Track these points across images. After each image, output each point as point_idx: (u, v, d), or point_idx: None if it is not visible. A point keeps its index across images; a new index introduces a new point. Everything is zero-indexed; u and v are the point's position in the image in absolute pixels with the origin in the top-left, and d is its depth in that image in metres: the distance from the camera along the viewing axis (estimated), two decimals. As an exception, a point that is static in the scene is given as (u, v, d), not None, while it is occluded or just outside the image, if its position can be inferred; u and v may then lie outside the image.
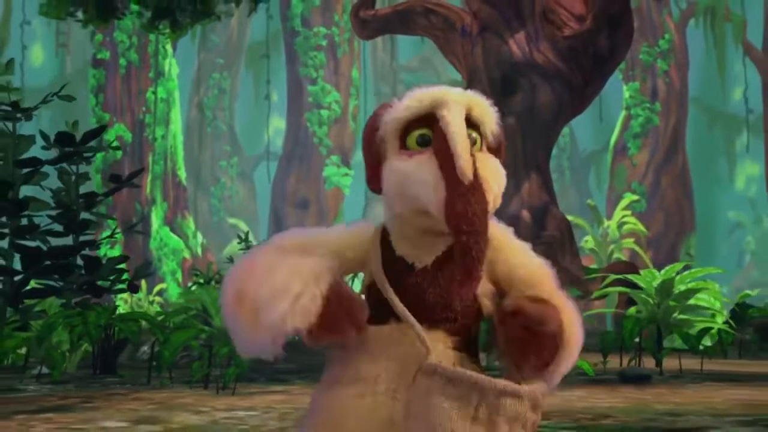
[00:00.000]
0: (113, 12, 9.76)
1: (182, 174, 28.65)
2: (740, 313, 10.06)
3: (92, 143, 6.88)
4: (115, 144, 9.79)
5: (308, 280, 1.84)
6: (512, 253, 2.02)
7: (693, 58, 28.90)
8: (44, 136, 6.46)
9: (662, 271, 9.18)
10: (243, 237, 15.31)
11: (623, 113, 28.40)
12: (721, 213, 40.38)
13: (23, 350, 5.75)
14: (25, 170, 6.27)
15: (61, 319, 5.27)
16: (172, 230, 27.77)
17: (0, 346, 5.39)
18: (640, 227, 24.20)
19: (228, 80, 38.74)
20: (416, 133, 1.91)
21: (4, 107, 6.48)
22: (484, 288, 1.99)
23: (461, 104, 1.90)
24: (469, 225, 1.82)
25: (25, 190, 7.23)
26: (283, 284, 1.83)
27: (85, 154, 6.58)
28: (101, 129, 7.13)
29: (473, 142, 1.91)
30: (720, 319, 9.27)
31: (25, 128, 25.89)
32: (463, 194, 1.82)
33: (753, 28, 28.43)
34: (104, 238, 6.55)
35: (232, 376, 4.79)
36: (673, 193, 27.43)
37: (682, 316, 8.53)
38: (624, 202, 24.80)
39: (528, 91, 14.58)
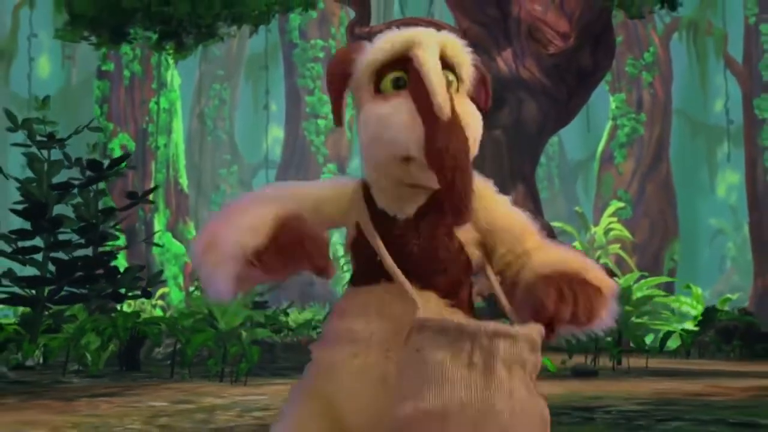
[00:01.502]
0: (124, 37, 10.31)
1: (184, 181, 28.89)
2: (709, 316, 10.61)
3: (111, 167, 7.46)
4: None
5: (269, 216, 1.80)
6: (493, 202, 1.96)
7: (676, 70, 29.19)
8: (69, 159, 7.05)
9: (621, 279, 9.76)
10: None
11: (610, 123, 28.70)
12: (703, 220, 40.42)
13: (41, 350, 6.38)
14: (57, 192, 6.86)
15: (92, 323, 5.91)
16: (174, 236, 27.99)
17: (45, 346, 6.06)
18: (626, 233, 24.55)
19: (228, 91, 38.79)
20: (390, 76, 1.84)
21: (40, 138, 7.07)
22: (469, 236, 1.94)
23: (435, 44, 1.83)
24: (452, 159, 1.75)
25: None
26: (246, 222, 1.80)
27: (110, 178, 7.18)
28: (126, 157, 7.72)
29: (449, 84, 1.84)
30: (678, 323, 9.87)
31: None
32: (442, 130, 1.75)
33: (733, 43, 28.63)
34: (122, 249, 7.15)
35: (243, 370, 5.51)
36: (658, 200, 27.71)
37: (638, 320, 9.11)
38: (610, 209, 25.11)
39: (514, 105, 14.99)
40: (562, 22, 15.67)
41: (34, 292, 6.60)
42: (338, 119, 1.92)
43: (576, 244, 24.16)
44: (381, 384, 1.82)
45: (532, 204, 15.07)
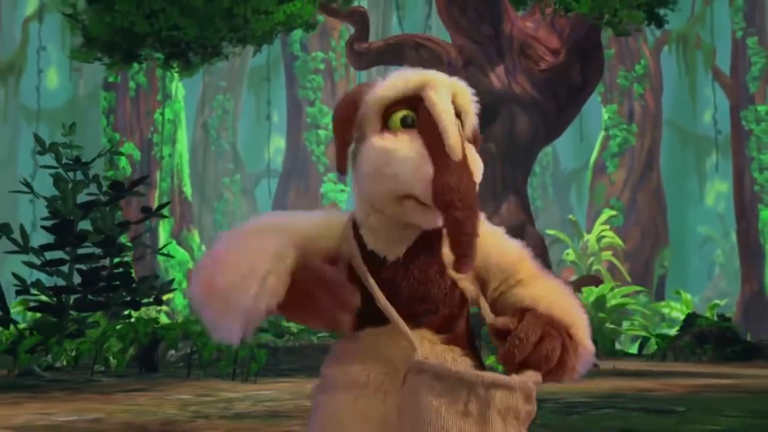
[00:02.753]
0: (136, 58, 10.76)
1: (188, 190, 29.09)
2: (690, 321, 11.04)
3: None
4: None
5: (273, 258, 1.74)
6: (485, 236, 1.85)
7: (666, 82, 29.50)
8: (88, 177, 7.54)
9: (597, 288, 10.20)
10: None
11: (602, 134, 29.04)
12: (693, 228, 40.46)
13: (74, 353, 6.91)
14: (82, 209, 7.36)
15: (114, 328, 6.43)
16: (179, 243, 28.07)
17: (76, 349, 6.60)
18: (618, 241, 24.84)
19: (231, 102, 38.80)
20: (400, 113, 1.78)
21: (66, 161, 7.55)
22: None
23: (448, 87, 1.80)
24: (462, 199, 1.69)
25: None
26: (248, 266, 1.73)
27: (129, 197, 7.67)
28: (144, 178, 8.20)
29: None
30: (668, 327, 10.29)
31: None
32: (454, 170, 1.70)
33: (721, 56, 28.92)
34: (137, 259, 7.70)
35: (253, 370, 6.06)
36: (649, 209, 28.02)
37: (610, 326, 9.55)
38: (603, 217, 25.37)
39: (507, 119, 15.16)
40: (553, 39, 15.91)
41: (60, 300, 7.11)
42: (341, 167, 1.84)
43: (570, 251, 24.44)
44: (381, 427, 1.80)
45: (524, 214, 15.41)
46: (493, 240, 1.90)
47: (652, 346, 10.24)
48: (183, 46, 11.08)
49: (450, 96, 1.79)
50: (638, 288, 11.81)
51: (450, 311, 1.86)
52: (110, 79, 26.98)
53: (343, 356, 1.88)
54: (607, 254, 24.50)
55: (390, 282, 1.82)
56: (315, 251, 1.84)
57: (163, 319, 17.80)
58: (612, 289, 10.31)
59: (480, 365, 1.85)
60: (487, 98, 17.27)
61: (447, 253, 1.82)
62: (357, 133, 1.83)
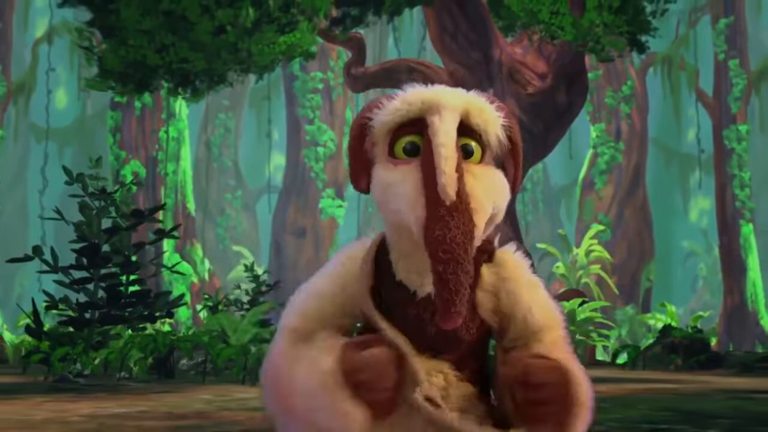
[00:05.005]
0: (147, 87, 11.34)
1: (191, 206, 29.25)
2: (665, 333, 11.56)
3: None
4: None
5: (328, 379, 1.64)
6: (518, 286, 1.74)
7: (652, 102, 29.84)
8: (119, 211, 8.19)
9: (568, 303, 10.75)
10: (249, 266, 16.57)
11: (591, 151, 29.37)
12: (677, 242, 40.61)
13: (96, 361, 7.55)
14: (106, 234, 8.00)
15: (136, 339, 7.10)
16: (182, 257, 28.30)
17: (105, 358, 7.26)
18: (606, 255, 25.08)
19: (233, 120, 39.34)
20: (404, 140, 1.67)
21: (92, 191, 8.18)
22: (490, 306, 1.75)
23: (455, 110, 1.64)
24: (446, 252, 1.56)
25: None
26: (312, 393, 1.66)
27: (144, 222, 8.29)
28: (161, 207, 8.84)
29: (469, 154, 1.67)
30: (652, 338, 10.73)
31: (52, 164, 26.87)
32: (442, 216, 1.56)
33: (705, 77, 29.27)
34: (150, 276, 8.40)
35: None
36: (635, 224, 28.32)
37: (580, 338, 10.12)
38: (591, 232, 25.56)
39: None
40: (540, 64, 16.36)
41: (85, 314, 7.76)
42: (355, 184, 1.77)
43: (559, 264, 24.83)
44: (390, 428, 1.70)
45: (512, 231, 15.87)
46: (527, 292, 1.75)
47: (629, 355, 10.80)
48: (192, 76, 11.61)
49: (457, 119, 1.64)
50: (605, 303, 12.36)
51: (472, 348, 1.75)
52: (116, 99, 27.26)
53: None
54: (596, 268, 24.74)
55: (417, 319, 1.69)
56: (350, 300, 1.76)
57: (167, 330, 18.30)
58: (581, 304, 10.89)
59: (488, 405, 1.74)
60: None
61: (480, 294, 1.72)
62: (370, 156, 1.73)
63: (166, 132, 28.24)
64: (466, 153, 1.67)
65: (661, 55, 30.39)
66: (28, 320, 12.67)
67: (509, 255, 1.79)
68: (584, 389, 1.73)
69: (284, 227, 31.01)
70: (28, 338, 10.72)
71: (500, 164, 1.76)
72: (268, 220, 33.28)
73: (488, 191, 1.66)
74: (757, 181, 31.26)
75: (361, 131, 1.73)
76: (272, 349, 1.80)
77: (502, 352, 1.77)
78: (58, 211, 7.88)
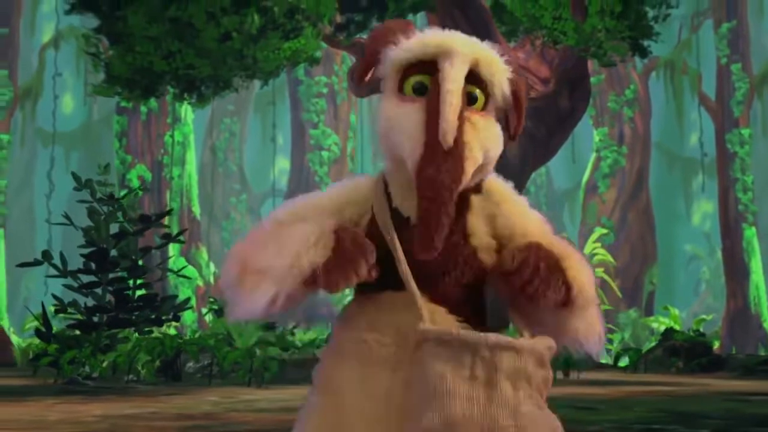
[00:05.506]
0: (153, 93, 11.43)
1: (196, 210, 29.51)
2: (667, 336, 11.61)
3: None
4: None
5: (314, 235, 1.69)
6: (512, 206, 1.82)
7: (655, 106, 29.93)
8: (126, 216, 8.31)
9: None
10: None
11: (594, 155, 29.44)
12: (680, 246, 40.55)
13: (104, 363, 7.65)
14: (114, 239, 8.11)
15: (144, 342, 7.21)
16: (187, 260, 28.41)
17: (114, 361, 7.37)
18: (609, 258, 25.17)
19: (238, 125, 39.43)
20: (414, 78, 1.72)
21: (100, 196, 8.29)
22: (484, 242, 1.79)
23: (466, 58, 1.69)
24: (433, 192, 1.63)
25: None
26: (290, 241, 1.69)
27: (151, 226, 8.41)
28: (168, 212, 8.96)
29: (473, 101, 1.72)
30: (641, 342, 10.82)
31: (59, 168, 26.95)
32: (436, 158, 1.63)
33: (707, 81, 29.25)
34: (156, 280, 8.52)
35: (266, 378, 6.81)
36: (638, 227, 28.33)
37: None
38: (594, 236, 25.80)
39: None
40: (543, 69, 16.40)
41: (93, 317, 7.87)
42: (358, 80, 1.84)
43: (562, 267, 24.84)
44: (386, 402, 1.71)
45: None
46: (519, 210, 1.83)
47: (631, 359, 10.86)
48: (197, 82, 11.70)
49: (467, 67, 1.69)
50: (606, 307, 12.38)
51: (467, 282, 1.76)
52: (123, 104, 27.36)
53: (354, 320, 1.78)
54: (599, 271, 24.72)
55: (410, 244, 1.71)
56: (345, 219, 1.80)
57: (173, 333, 18.39)
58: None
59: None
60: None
61: (472, 220, 1.77)
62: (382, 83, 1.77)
63: (172, 136, 28.46)
64: (470, 99, 1.72)
65: (664, 60, 30.40)
66: (35, 323, 12.79)
67: (497, 182, 1.85)
68: (561, 256, 1.74)
69: (289, 231, 31.23)
70: (36, 341, 10.83)
71: (503, 116, 1.81)
72: (273, 224, 33.55)
73: (483, 142, 1.72)
74: (760, 184, 31.26)
75: (372, 59, 1.79)
76: (254, 228, 1.83)
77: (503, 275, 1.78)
78: (67, 217, 7.98)
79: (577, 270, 1.74)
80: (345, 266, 1.67)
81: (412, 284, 1.71)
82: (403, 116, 1.71)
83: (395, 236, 1.74)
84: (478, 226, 1.79)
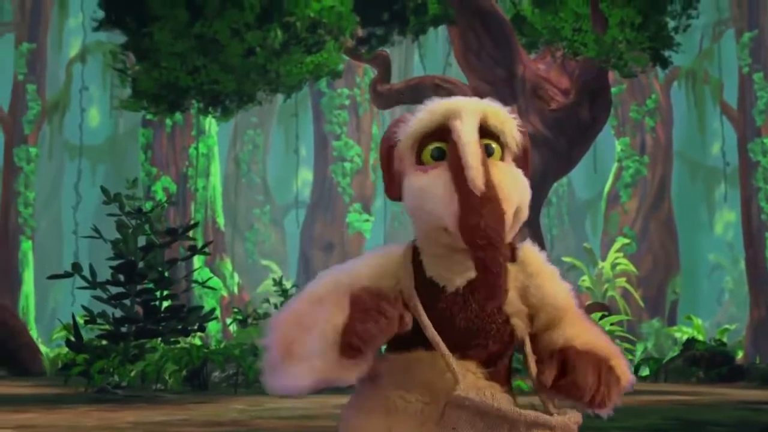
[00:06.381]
0: (178, 108, 11.64)
1: (221, 221, 29.66)
2: (688, 345, 11.60)
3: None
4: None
5: (337, 315, 1.72)
6: (545, 278, 1.85)
7: (676, 116, 29.85)
8: (153, 229, 8.50)
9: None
10: (277, 281, 16.79)
11: (615, 165, 29.38)
12: (703, 255, 40.40)
13: (132, 373, 7.83)
14: (142, 251, 8.30)
15: (171, 352, 7.39)
16: (212, 271, 28.55)
17: (143, 371, 7.56)
18: (631, 268, 25.02)
19: (261, 137, 39.67)
20: (431, 146, 1.77)
21: (128, 210, 8.48)
22: (516, 309, 1.83)
23: (475, 113, 1.76)
24: (483, 238, 1.66)
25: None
26: (323, 324, 1.71)
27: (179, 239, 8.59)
28: (194, 225, 9.15)
29: (490, 153, 1.77)
30: (665, 352, 10.83)
31: (86, 181, 27.38)
32: (474, 206, 1.66)
33: (729, 90, 29.18)
34: (183, 291, 8.72)
35: None
36: (660, 237, 28.27)
37: None
38: (617, 245, 25.57)
39: None
40: (563, 80, 16.40)
41: (121, 328, 8.05)
42: (388, 193, 1.87)
43: (585, 278, 24.82)
44: None
45: (537, 245, 15.95)
46: (550, 281, 1.86)
47: (651, 368, 10.87)
48: (222, 96, 11.88)
49: (477, 122, 1.74)
50: (624, 317, 12.41)
51: (499, 347, 1.81)
52: (148, 117, 27.53)
53: (380, 378, 1.79)
54: (622, 281, 24.69)
55: (446, 313, 1.76)
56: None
57: (197, 343, 18.60)
58: (601, 318, 10.95)
59: (515, 401, 1.80)
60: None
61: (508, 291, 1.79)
62: (399, 168, 1.82)
63: (196, 149, 28.64)
64: (487, 152, 1.77)
65: (686, 69, 30.31)
66: (63, 333, 13.01)
67: (532, 251, 1.90)
68: (622, 359, 1.83)
69: (312, 242, 31.27)
70: (64, 351, 11.03)
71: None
72: (296, 235, 33.52)
73: (513, 182, 1.76)
74: (783, 193, 30.97)
75: (389, 149, 1.84)
76: (289, 304, 1.87)
77: (532, 341, 1.85)
78: (96, 230, 8.16)
79: (623, 370, 1.83)
80: (369, 313, 1.70)
81: (443, 346, 1.75)
82: (430, 182, 1.74)
83: (418, 303, 1.78)
84: (512, 294, 1.81)
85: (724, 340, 16.98)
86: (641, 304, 25.51)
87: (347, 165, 31.59)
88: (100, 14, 11.34)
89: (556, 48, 16.43)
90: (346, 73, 33.05)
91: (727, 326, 23.43)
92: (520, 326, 1.83)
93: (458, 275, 1.79)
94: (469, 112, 1.76)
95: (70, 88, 31.96)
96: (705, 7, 19.08)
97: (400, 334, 1.77)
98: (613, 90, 20.94)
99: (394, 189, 1.85)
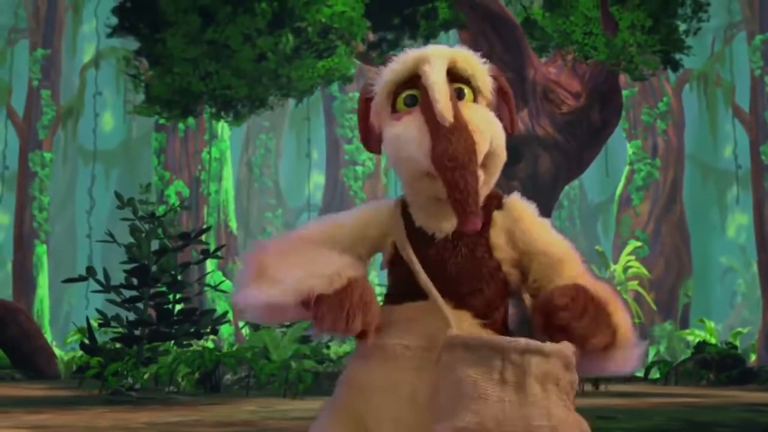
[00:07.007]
0: (191, 113, 11.73)
1: (233, 224, 29.90)
2: (699, 348, 11.59)
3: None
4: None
5: (331, 268, 1.74)
6: (532, 224, 1.83)
7: (688, 119, 29.77)
8: (166, 233, 8.59)
9: None
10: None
11: (627, 168, 29.38)
12: (715, 258, 40.26)
13: (146, 375, 7.92)
14: (155, 255, 8.39)
15: (184, 355, 7.47)
16: (224, 275, 28.69)
17: (156, 373, 7.65)
18: (643, 271, 25.06)
19: (273, 141, 39.83)
20: (403, 95, 1.79)
21: (142, 215, 8.58)
22: (507, 256, 1.83)
23: (444, 57, 1.77)
24: (451, 160, 1.66)
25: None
26: (307, 262, 1.75)
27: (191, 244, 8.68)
28: (207, 229, 9.24)
29: (461, 95, 1.77)
30: (677, 355, 10.81)
31: (99, 185, 27.47)
32: (443, 136, 1.67)
33: (741, 93, 29.14)
34: (195, 295, 8.82)
35: (301, 390, 7.04)
36: (672, 240, 28.21)
37: None
38: (629, 248, 25.64)
39: (530, 160, 15.57)
40: (574, 83, 16.38)
41: (134, 331, 8.15)
42: (365, 145, 1.89)
43: (597, 281, 24.77)
44: (410, 402, 1.75)
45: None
46: (540, 229, 1.85)
47: (661, 371, 10.88)
48: (234, 101, 11.97)
49: (445, 65, 1.75)
50: (636, 320, 12.39)
51: (492, 295, 1.81)
52: (161, 122, 27.75)
53: (383, 328, 1.80)
54: (634, 284, 24.68)
55: (437, 259, 1.78)
56: (369, 239, 1.87)
57: (209, 346, 18.71)
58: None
59: None
60: (511, 140, 17.80)
61: (494, 234, 1.81)
62: (378, 122, 1.84)
63: (209, 153, 28.87)
64: (458, 95, 1.77)
65: (697, 72, 30.28)
66: (78, 337, 13.12)
67: (518, 199, 1.89)
68: (607, 301, 1.76)
69: (324, 245, 31.48)
70: (78, 354, 11.10)
71: (496, 114, 1.85)
72: (309, 239, 33.79)
73: (484, 119, 1.76)
74: (796, 196, 30.84)
75: (365, 102, 1.87)
76: (274, 236, 1.91)
77: (530, 297, 1.84)
78: (110, 234, 8.25)
79: (621, 316, 1.77)
80: (339, 313, 1.72)
81: (434, 292, 1.76)
82: (404, 127, 1.75)
83: (410, 250, 1.80)
84: (500, 241, 1.82)
85: (737, 343, 16.94)
86: (653, 307, 25.47)
87: (359, 168, 31.72)
88: (114, 20, 11.45)
89: (567, 51, 16.44)
90: (358, 76, 33.10)
91: (739, 329, 23.35)
92: (513, 274, 1.83)
93: (445, 221, 1.79)
94: (437, 56, 1.77)
95: (84, 94, 32.17)
96: (716, 10, 19.06)
97: (395, 286, 1.84)
98: (624, 93, 20.94)
99: (371, 142, 1.88)
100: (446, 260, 1.80)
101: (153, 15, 10.58)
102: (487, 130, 1.75)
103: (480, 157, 1.73)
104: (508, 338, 1.71)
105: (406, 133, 1.74)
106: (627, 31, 14.51)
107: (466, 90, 1.79)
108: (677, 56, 14.83)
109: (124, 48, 23.35)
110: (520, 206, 1.87)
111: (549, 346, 1.69)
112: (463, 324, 1.76)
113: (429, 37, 15.59)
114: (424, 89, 1.74)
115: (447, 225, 1.80)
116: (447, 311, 1.74)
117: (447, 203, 1.74)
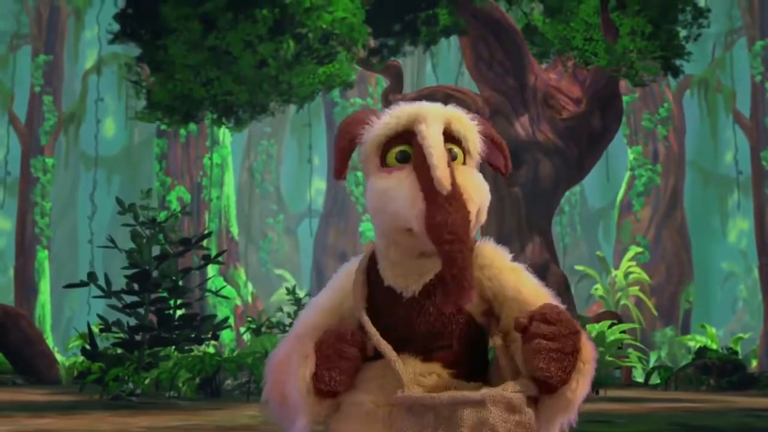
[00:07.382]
0: (193, 119, 11.76)
1: (234, 230, 29.95)
2: (700, 354, 11.59)
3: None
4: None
5: (302, 356, 1.80)
6: (500, 271, 1.83)
7: (689, 125, 29.91)
8: (167, 239, 8.62)
9: (598, 325, 10.84)
10: (290, 290, 16.87)
11: (628, 174, 29.49)
12: (716, 264, 40.35)
13: (147, 381, 7.94)
14: (156, 260, 8.42)
15: (184, 360, 7.49)
16: (226, 280, 28.69)
17: (156, 378, 7.66)
18: (644, 276, 24.99)
19: (275, 146, 40.00)
20: (395, 150, 1.79)
21: (143, 220, 8.61)
22: (477, 308, 1.82)
23: (440, 118, 1.78)
24: (450, 233, 1.67)
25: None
26: (295, 369, 1.80)
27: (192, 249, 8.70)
28: (207, 235, 9.26)
29: (454, 157, 1.79)
30: (678, 360, 10.86)
31: (101, 191, 27.49)
32: (441, 204, 1.68)
33: (741, 99, 29.25)
34: (196, 300, 8.86)
35: None
36: (673, 245, 28.29)
37: (609, 359, 10.24)
38: (629, 254, 25.48)
39: (531, 165, 15.54)
40: (575, 89, 16.41)
41: (135, 336, 8.17)
42: (337, 172, 1.91)
43: (598, 286, 24.78)
44: None
45: (548, 254, 15.90)
46: (510, 274, 1.84)
47: (661, 376, 10.91)
48: (235, 107, 11.99)
49: (441, 126, 1.77)
50: (634, 325, 12.44)
51: (462, 347, 1.82)
52: (163, 128, 27.72)
53: (353, 386, 1.83)
54: (635, 289, 24.63)
55: (406, 320, 1.80)
56: (347, 314, 1.89)
57: (211, 351, 18.71)
58: (611, 326, 11.02)
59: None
60: (512, 146, 17.67)
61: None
62: (362, 167, 1.85)
63: (210, 159, 28.93)
64: (451, 156, 1.79)
65: (698, 78, 30.35)
66: (79, 342, 13.13)
67: (486, 245, 1.89)
68: (589, 346, 1.75)
69: (325, 250, 31.44)
70: (80, 359, 11.12)
71: (481, 166, 1.88)
72: (310, 244, 33.76)
73: (475, 185, 1.78)
74: (797, 201, 30.85)
75: (350, 144, 1.86)
76: (278, 347, 1.95)
77: (500, 340, 1.83)
78: (111, 240, 8.29)
79: (585, 344, 1.75)
80: (330, 358, 1.77)
81: (388, 353, 1.78)
82: (395, 183, 1.75)
83: (363, 313, 1.82)
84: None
85: (738, 348, 16.94)
86: (654, 312, 25.46)
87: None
88: (116, 27, 11.48)
89: (568, 57, 16.45)
90: (359, 83, 33.26)
91: (741, 335, 23.31)
92: (484, 321, 1.84)
93: (414, 281, 1.81)
94: (434, 117, 1.79)
95: (85, 100, 32.29)
96: (717, 16, 19.07)
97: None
98: (625, 99, 20.96)
99: (343, 170, 1.89)
100: (413, 320, 1.82)
101: (154, 21, 10.63)
102: (478, 198, 1.77)
103: (473, 227, 1.76)
104: (438, 394, 1.71)
105: (397, 189, 1.75)
106: (627, 37, 14.53)
107: (457, 150, 1.80)
108: (678, 62, 14.86)
109: (126, 54, 23.41)
110: (489, 253, 1.87)
111: (481, 393, 1.69)
112: (431, 376, 1.78)
113: (429, 44, 15.60)
114: (418, 147, 1.75)
115: (415, 284, 1.81)
116: (400, 368, 1.76)
117: (420, 259, 1.79)
